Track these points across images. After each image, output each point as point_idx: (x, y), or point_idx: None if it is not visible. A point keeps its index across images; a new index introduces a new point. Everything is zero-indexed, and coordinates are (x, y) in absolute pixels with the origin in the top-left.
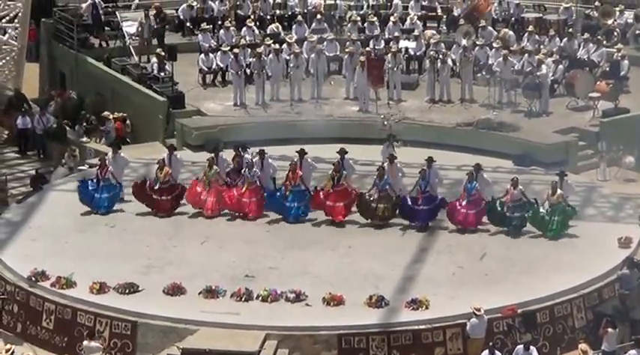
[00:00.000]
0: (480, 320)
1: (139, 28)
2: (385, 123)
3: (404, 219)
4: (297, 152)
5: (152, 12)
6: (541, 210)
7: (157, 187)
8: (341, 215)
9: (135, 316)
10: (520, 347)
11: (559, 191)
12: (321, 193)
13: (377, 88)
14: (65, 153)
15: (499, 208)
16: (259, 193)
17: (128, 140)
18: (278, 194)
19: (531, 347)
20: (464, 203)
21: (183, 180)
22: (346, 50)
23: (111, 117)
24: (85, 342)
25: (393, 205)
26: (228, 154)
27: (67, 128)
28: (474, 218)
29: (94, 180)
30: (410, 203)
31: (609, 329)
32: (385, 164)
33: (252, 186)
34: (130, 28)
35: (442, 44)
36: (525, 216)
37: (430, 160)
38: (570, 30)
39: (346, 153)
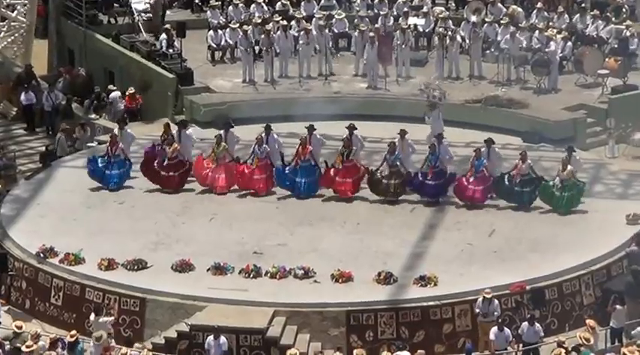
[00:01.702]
0: (491, 304)
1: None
2: (428, 94)
3: (414, 193)
4: (306, 128)
5: None
6: (551, 184)
7: (164, 163)
8: (349, 191)
9: (143, 292)
10: (525, 323)
11: (569, 167)
12: (332, 170)
13: (385, 64)
14: (76, 128)
15: (507, 182)
16: (269, 170)
17: (139, 116)
18: (287, 170)
19: (536, 324)
20: (471, 179)
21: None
22: (358, 28)
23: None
24: (92, 317)
25: (403, 181)
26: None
27: (76, 105)
28: (481, 194)
29: (105, 157)
30: (420, 177)
31: (617, 306)
32: (397, 139)
33: (261, 163)
34: (138, 4)
35: (450, 21)
36: (535, 191)
37: (440, 137)
38: (583, 5)
39: (355, 128)
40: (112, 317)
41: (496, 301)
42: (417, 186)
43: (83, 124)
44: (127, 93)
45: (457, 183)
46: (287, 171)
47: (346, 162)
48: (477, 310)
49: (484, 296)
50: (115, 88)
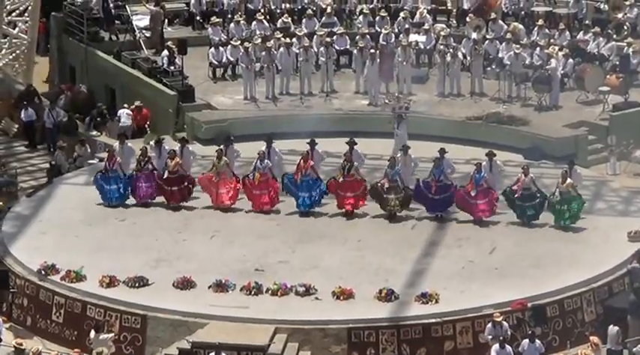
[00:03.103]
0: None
1: (151, 23)
2: (394, 106)
3: (419, 205)
4: (307, 143)
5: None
6: (551, 198)
7: (165, 177)
8: (349, 205)
9: (145, 310)
10: (526, 340)
11: (569, 180)
12: (334, 181)
13: (386, 81)
14: (76, 146)
15: (510, 195)
16: (271, 186)
17: (148, 130)
18: (289, 178)
19: (537, 341)
20: (473, 194)
21: (193, 173)
22: (358, 45)
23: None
24: (93, 334)
25: (403, 198)
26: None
27: (78, 122)
28: (486, 206)
29: (102, 172)
30: (424, 190)
31: (610, 327)
32: (398, 155)
33: (263, 178)
34: (140, 21)
35: (451, 38)
36: (537, 207)
37: (442, 151)
38: (586, 22)
39: (355, 143)
40: (113, 334)
41: (505, 323)
42: (422, 199)
43: (83, 141)
44: (132, 107)
45: (459, 197)
46: (290, 180)
47: (347, 176)
48: (489, 336)
49: (494, 320)
50: (126, 105)
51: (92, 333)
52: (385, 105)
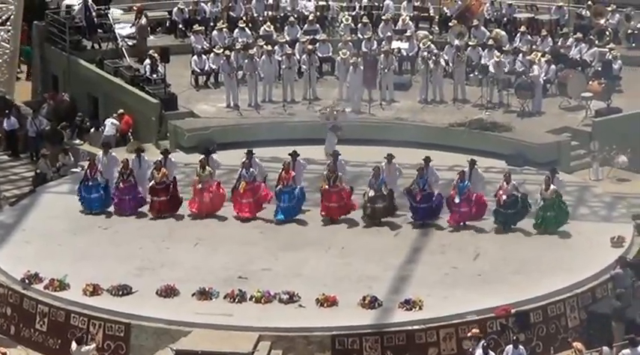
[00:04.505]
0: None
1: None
2: (326, 115)
3: (403, 211)
4: (289, 154)
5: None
6: (533, 205)
7: (151, 185)
8: (335, 216)
9: (128, 318)
10: (510, 346)
11: (552, 186)
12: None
13: (370, 89)
14: (59, 154)
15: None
16: (256, 194)
17: (131, 137)
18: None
19: (520, 347)
20: (456, 201)
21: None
22: (340, 53)
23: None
24: (74, 347)
25: (386, 206)
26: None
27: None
28: (472, 213)
29: (84, 182)
30: (409, 199)
31: (605, 347)
32: (383, 163)
33: (249, 187)
34: (122, 30)
35: (432, 45)
36: (519, 213)
37: (427, 160)
38: (565, 30)
39: (339, 154)
40: (94, 345)
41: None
42: (409, 206)
43: (66, 149)
44: (115, 115)
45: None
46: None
47: (332, 187)
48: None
49: (473, 336)
50: (116, 114)
51: (73, 345)
52: (322, 115)
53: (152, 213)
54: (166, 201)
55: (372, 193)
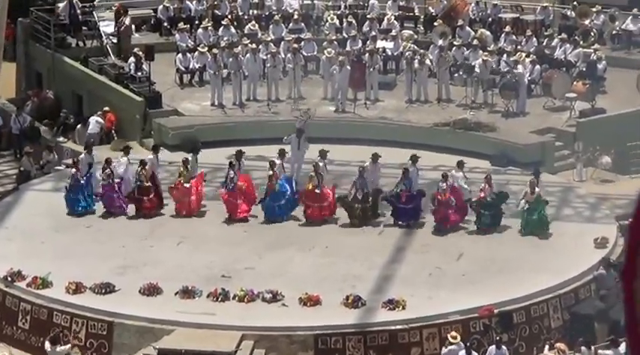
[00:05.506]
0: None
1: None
2: (301, 117)
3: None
4: (278, 153)
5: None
6: (517, 208)
7: (137, 184)
8: (318, 216)
9: (111, 316)
10: (492, 346)
11: (537, 189)
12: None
13: (357, 90)
14: (44, 152)
15: (474, 204)
16: (247, 193)
17: (115, 136)
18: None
19: (503, 347)
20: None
21: (160, 179)
22: (325, 52)
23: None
24: (48, 347)
25: (371, 205)
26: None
27: (45, 128)
28: (456, 216)
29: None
30: (394, 201)
31: (582, 347)
32: (367, 163)
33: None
34: (107, 27)
35: (414, 46)
36: (497, 214)
37: (415, 159)
38: (550, 31)
39: (326, 156)
40: (69, 345)
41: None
42: (393, 209)
43: (50, 147)
44: (100, 112)
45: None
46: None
47: (315, 188)
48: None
49: (451, 342)
50: (101, 112)
51: (47, 345)
52: (299, 119)
53: (143, 211)
54: (155, 199)
55: (356, 193)
